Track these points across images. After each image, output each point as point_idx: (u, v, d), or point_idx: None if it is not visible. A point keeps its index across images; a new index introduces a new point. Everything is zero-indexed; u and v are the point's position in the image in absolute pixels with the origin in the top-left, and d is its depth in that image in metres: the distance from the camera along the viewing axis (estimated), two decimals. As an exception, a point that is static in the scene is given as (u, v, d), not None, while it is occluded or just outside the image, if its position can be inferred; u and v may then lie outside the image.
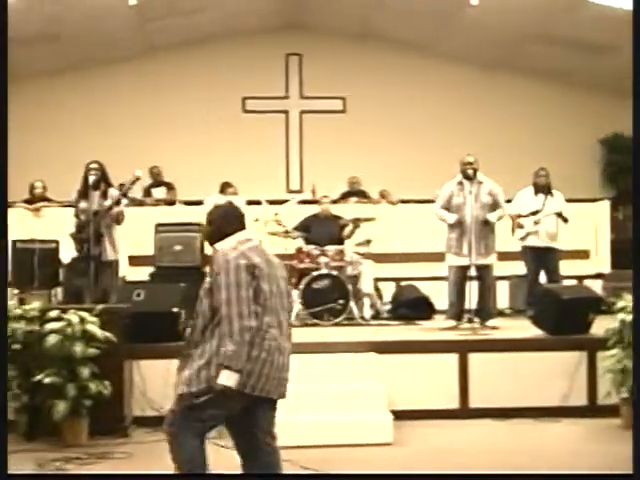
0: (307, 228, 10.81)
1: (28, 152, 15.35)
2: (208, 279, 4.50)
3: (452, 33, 15.10)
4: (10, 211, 11.99)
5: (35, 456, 6.76)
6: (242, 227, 4.67)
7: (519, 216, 10.44)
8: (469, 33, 14.87)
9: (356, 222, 10.54)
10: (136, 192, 12.98)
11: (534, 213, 10.36)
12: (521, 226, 10.41)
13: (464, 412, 7.90)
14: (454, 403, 7.95)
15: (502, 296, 11.22)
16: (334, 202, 11.57)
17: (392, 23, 15.45)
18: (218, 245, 4.57)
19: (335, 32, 16.08)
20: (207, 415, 4.48)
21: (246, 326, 4.33)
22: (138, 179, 9.40)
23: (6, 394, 2.05)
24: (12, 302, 8.93)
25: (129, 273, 10.56)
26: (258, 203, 12.67)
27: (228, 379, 4.29)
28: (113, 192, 9.17)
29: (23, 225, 11.71)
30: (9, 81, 15.16)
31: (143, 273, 10.70)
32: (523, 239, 10.42)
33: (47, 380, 7.06)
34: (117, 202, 9.06)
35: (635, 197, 8.83)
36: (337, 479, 4.87)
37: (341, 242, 10.59)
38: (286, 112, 16.40)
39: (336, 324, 9.78)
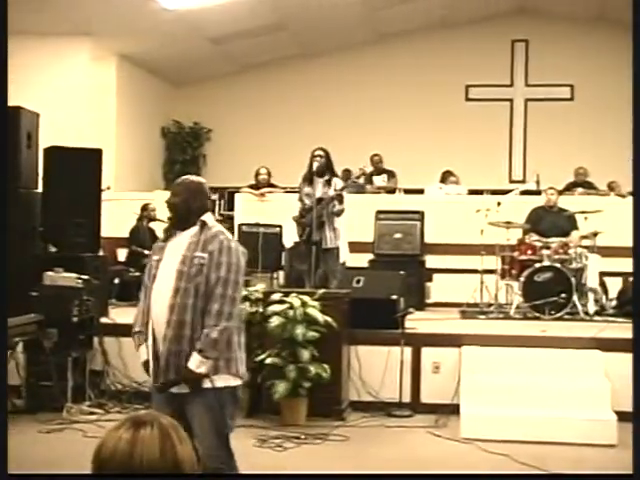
0: (534, 220, 10.52)
1: (253, 139, 15.89)
2: (199, 254, 4.23)
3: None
4: (236, 196, 12.51)
5: (256, 432, 6.96)
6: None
7: None
8: None
9: None
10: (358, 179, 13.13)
11: None
12: None
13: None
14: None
15: None
16: (559, 193, 11.17)
17: (624, 5, 14.75)
18: (209, 220, 4.36)
19: (564, 16, 15.55)
20: None
21: (236, 312, 4.28)
22: (364, 174, 9.43)
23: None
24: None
25: (349, 259, 10.66)
26: (480, 193, 12.48)
27: (200, 365, 4.15)
28: (337, 182, 9.23)
29: (248, 209, 12.10)
30: (237, 72, 15.84)
31: (362, 259, 10.77)
32: None
33: (269, 360, 7.25)
34: (340, 196, 9.09)
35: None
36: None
37: (567, 235, 10.23)
38: (510, 100, 16.04)
39: (558, 318, 9.47)
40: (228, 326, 4.20)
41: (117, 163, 13.83)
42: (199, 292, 4.19)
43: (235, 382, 4.34)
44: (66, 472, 5.55)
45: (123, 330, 8.26)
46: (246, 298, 7.69)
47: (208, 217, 4.39)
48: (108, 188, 11.04)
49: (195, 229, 4.32)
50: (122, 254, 11.48)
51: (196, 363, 4.15)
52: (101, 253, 9.53)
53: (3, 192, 4.88)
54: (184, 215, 4.37)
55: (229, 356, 4.27)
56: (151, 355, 4.29)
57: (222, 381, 4.26)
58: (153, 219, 11.34)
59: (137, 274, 10.79)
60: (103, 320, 8.56)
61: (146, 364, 4.34)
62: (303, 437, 6.86)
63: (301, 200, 9.25)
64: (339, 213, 9.07)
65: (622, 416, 6.91)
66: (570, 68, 15.51)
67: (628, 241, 11.13)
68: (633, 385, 5.44)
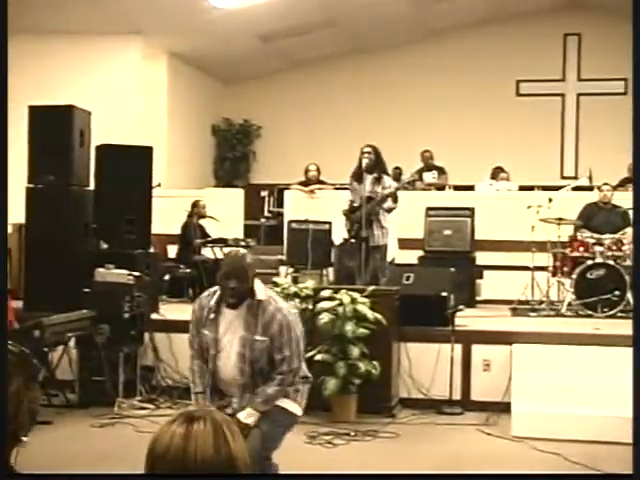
0: (587, 216, 10.39)
1: (302, 136, 15.92)
2: (260, 338, 4.39)
3: None
4: (286, 193, 12.53)
5: (306, 428, 6.95)
6: None
7: None
8: None
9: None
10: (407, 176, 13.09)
11: None
12: None
13: None
14: None
15: None
16: (613, 189, 11.02)
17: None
18: (260, 294, 4.45)
19: (617, 9, 15.31)
20: None
21: (299, 380, 4.55)
22: (415, 181, 9.41)
23: (7, 392, 2.05)
24: (287, 280, 9.26)
25: (398, 256, 10.63)
26: (531, 189, 12.36)
27: (248, 417, 4.38)
28: (387, 180, 9.21)
29: (298, 206, 12.11)
30: (286, 69, 15.86)
31: (412, 256, 10.73)
32: None
33: (319, 357, 7.24)
34: (394, 195, 9.08)
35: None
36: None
37: (620, 232, 10.08)
38: (562, 95, 15.85)
39: (611, 316, 9.34)
40: (284, 389, 4.48)
41: (168, 160, 13.93)
42: (263, 371, 4.44)
43: (298, 411, 4.59)
44: (117, 467, 5.60)
45: (174, 326, 8.35)
46: (296, 295, 7.71)
47: (259, 288, 4.49)
48: (159, 185, 11.12)
49: (246, 305, 4.44)
50: (172, 251, 11.56)
51: (244, 415, 4.37)
52: (152, 250, 9.61)
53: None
54: (244, 297, 4.44)
55: (297, 387, 4.57)
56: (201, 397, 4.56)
57: (288, 405, 4.52)
58: (203, 216, 11.41)
59: (187, 270, 10.88)
60: (154, 316, 8.64)
61: None
62: (353, 434, 6.85)
63: (351, 196, 9.27)
64: (390, 210, 9.05)
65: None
66: (623, 62, 15.25)
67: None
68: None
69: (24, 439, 2.20)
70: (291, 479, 4.36)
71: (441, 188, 12.97)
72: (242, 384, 4.45)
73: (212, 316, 4.48)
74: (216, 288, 4.54)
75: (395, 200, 9.08)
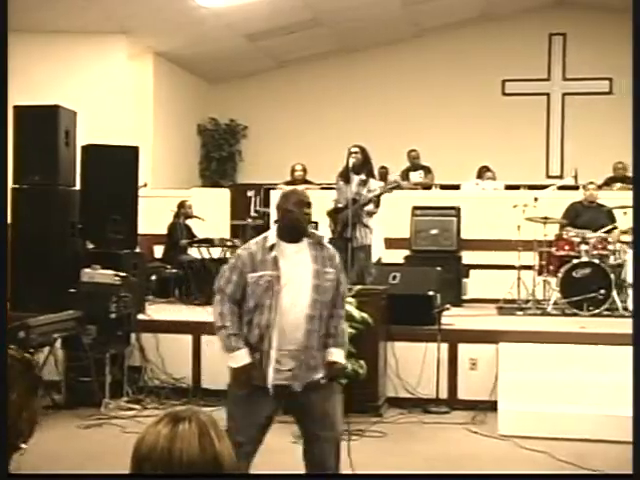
0: (573, 215, 10.43)
1: (289, 136, 15.92)
2: (329, 270, 4.49)
3: None
4: (272, 192, 12.51)
5: (292, 428, 6.94)
6: None
7: None
8: None
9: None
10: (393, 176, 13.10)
11: None
12: None
13: None
14: None
15: None
16: (598, 188, 11.07)
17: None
18: (319, 231, 4.71)
19: (602, 8, 15.38)
20: None
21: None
22: (395, 188, 9.41)
23: (7, 392, 2.04)
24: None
25: (385, 255, 10.64)
26: (516, 188, 12.40)
27: (342, 357, 4.59)
28: (373, 184, 9.21)
29: (285, 206, 12.08)
30: (272, 68, 15.83)
31: (398, 256, 10.75)
32: None
33: (304, 356, 7.23)
34: (377, 199, 9.11)
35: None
36: (338, 479, 4.70)
37: (607, 231, 10.13)
38: (547, 95, 15.91)
39: (596, 314, 9.39)
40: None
41: (154, 160, 13.91)
42: (328, 304, 4.49)
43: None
44: (104, 468, 5.59)
45: (160, 326, 8.36)
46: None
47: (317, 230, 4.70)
48: (145, 185, 11.11)
49: (306, 241, 4.52)
50: (159, 251, 11.54)
51: (341, 356, 4.53)
52: (138, 250, 9.60)
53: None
54: (307, 227, 4.58)
55: None
56: (273, 361, 4.40)
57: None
58: (189, 216, 11.40)
59: (174, 271, 10.87)
60: (140, 316, 8.62)
61: (246, 368, 4.39)
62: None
63: (336, 196, 9.29)
64: (371, 214, 9.09)
65: (662, 414, 6.84)
66: (609, 61, 15.34)
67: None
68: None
69: (23, 446, 2.20)
70: (291, 479, 4.35)
71: (427, 187, 12.99)
72: (309, 325, 4.41)
73: (272, 255, 4.43)
74: (262, 236, 4.58)
75: (377, 205, 9.10)
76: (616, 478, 5.28)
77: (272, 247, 4.46)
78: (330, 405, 4.57)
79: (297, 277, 4.43)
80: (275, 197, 12.28)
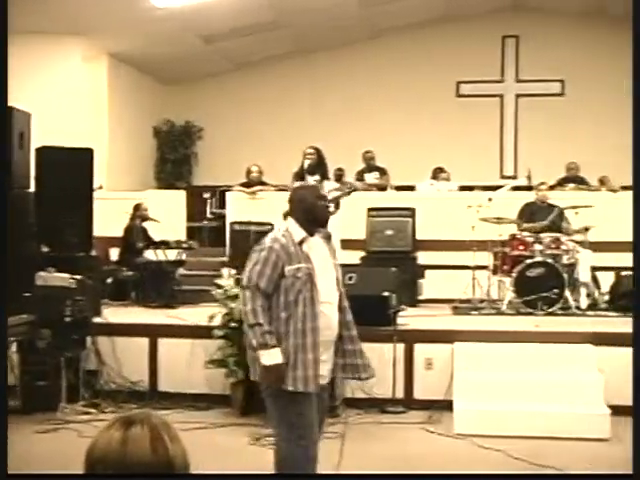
0: (526, 216, 10.56)
1: (244, 138, 15.91)
2: (335, 262, 4.62)
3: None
4: (228, 194, 12.51)
5: (250, 430, 6.97)
6: None
7: None
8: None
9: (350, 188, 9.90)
10: (349, 177, 13.15)
11: None
12: None
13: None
14: (677, 400, 7.53)
15: None
16: (550, 188, 11.21)
17: (616, 0, 14.81)
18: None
19: (555, 11, 15.58)
20: None
21: None
22: (354, 190, 9.49)
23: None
24: (229, 282, 9.25)
25: (341, 256, 10.67)
26: (471, 189, 12.51)
27: None
28: (327, 185, 9.27)
29: (240, 208, 12.11)
30: (228, 70, 15.79)
31: (354, 257, 10.79)
32: None
33: (262, 358, 7.24)
34: (337, 201, 9.16)
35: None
36: (338, 479, 4.78)
37: (559, 230, 10.27)
38: (501, 96, 16.08)
39: (550, 313, 9.51)
40: None
41: (109, 162, 13.83)
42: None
43: None
44: (62, 472, 5.56)
45: (117, 329, 8.31)
46: (238, 297, 7.69)
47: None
48: (100, 187, 11.04)
49: (317, 235, 4.58)
50: (115, 253, 11.48)
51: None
52: (94, 253, 9.53)
53: (3, 193, 4.89)
54: None
55: None
56: (311, 360, 4.38)
57: None
58: (145, 218, 11.35)
59: (130, 273, 10.81)
60: (96, 320, 8.56)
61: (279, 366, 4.34)
62: (297, 434, 6.87)
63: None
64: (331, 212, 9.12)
65: (615, 410, 6.96)
66: (560, 63, 15.55)
67: (619, 236, 11.21)
68: (633, 384, 5.46)
69: None
70: (291, 479, 4.36)
71: (382, 188, 13.06)
72: (340, 317, 4.50)
73: (305, 247, 4.46)
74: (281, 232, 4.53)
75: (337, 206, 9.14)
76: (616, 478, 5.33)
77: (302, 240, 4.48)
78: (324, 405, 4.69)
79: (325, 270, 4.50)
80: (231, 199, 12.35)
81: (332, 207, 9.15)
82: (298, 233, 4.48)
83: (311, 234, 4.53)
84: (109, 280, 10.81)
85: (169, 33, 13.61)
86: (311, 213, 4.55)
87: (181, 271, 11.06)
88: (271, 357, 4.31)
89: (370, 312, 8.05)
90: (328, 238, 4.61)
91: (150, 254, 10.96)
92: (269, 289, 4.38)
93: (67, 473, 4.95)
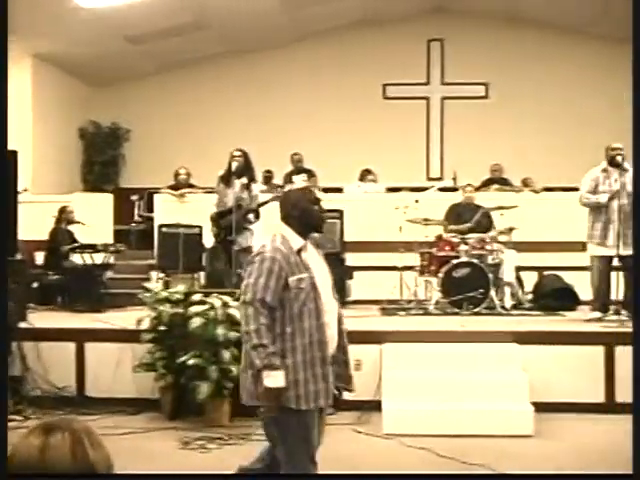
0: (453, 217, 10.69)
1: (172, 140, 15.81)
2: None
3: (602, 14, 14.65)
4: (156, 197, 12.43)
5: (179, 434, 6.95)
6: None
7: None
8: (618, 13, 14.39)
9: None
10: (277, 179, 13.18)
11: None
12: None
13: (609, 406, 7.68)
14: (599, 397, 7.73)
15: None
16: (475, 189, 11.38)
17: (537, 5, 15.11)
18: None
19: (479, 16, 15.84)
20: None
21: None
22: (271, 200, 9.53)
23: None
24: (157, 285, 9.20)
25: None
26: (398, 190, 12.62)
27: None
28: (255, 188, 9.30)
29: (168, 210, 12.04)
30: (155, 71, 15.65)
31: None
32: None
33: (191, 362, 7.23)
34: (257, 211, 9.21)
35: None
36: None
37: (485, 231, 10.42)
38: (427, 99, 16.27)
39: (476, 313, 9.64)
40: None
41: (34, 165, 13.62)
42: None
43: None
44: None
45: (43, 334, 8.19)
46: (167, 299, 7.68)
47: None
48: (25, 190, 10.86)
49: (310, 240, 4.34)
50: (41, 257, 11.31)
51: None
52: (19, 257, 9.38)
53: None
54: None
55: None
56: (319, 375, 4.18)
57: None
58: (71, 221, 11.21)
59: (56, 277, 10.66)
60: (22, 325, 8.44)
61: (281, 390, 4.08)
62: (226, 437, 6.87)
63: (218, 200, 9.33)
64: (250, 223, 9.19)
65: (539, 407, 7.10)
66: (485, 66, 15.80)
67: (542, 236, 11.47)
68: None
69: None
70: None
71: (311, 190, 13.08)
72: (340, 326, 4.38)
73: (304, 255, 4.21)
74: (278, 237, 4.25)
75: (257, 216, 9.22)
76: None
77: (301, 249, 4.23)
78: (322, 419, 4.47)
79: (323, 278, 4.28)
80: (159, 201, 12.27)
81: (251, 216, 9.22)
82: (296, 241, 4.23)
83: (305, 239, 4.29)
84: (35, 284, 10.66)
85: (94, 34, 13.46)
86: (305, 219, 4.31)
87: (108, 274, 10.95)
88: (275, 380, 4.05)
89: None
90: (317, 244, 4.39)
91: (77, 258, 10.82)
92: (275, 303, 4.09)
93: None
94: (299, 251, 4.20)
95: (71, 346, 8.23)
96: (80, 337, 8.22)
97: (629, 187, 8.85)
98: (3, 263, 6.86)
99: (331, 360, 4.28)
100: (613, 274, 9.04)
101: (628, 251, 8.77)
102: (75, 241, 11.13)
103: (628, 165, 8.93)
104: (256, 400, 4.17)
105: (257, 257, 4.19)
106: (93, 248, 10.66)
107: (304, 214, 4.30)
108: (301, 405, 4.12)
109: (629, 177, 8.88)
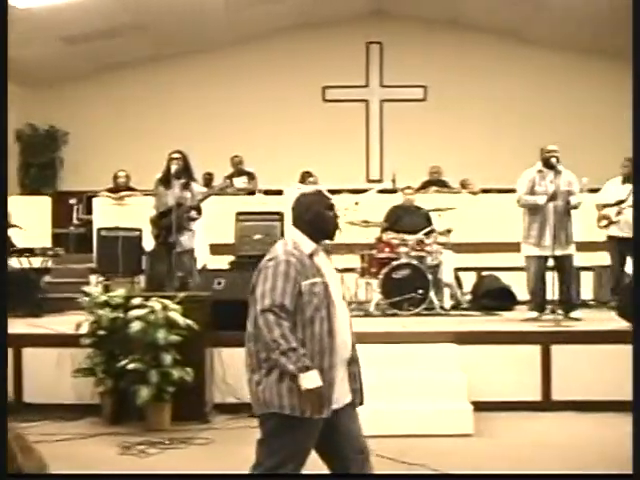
0: (393, 218, 10.77)
1: (111, 142, 15.68)
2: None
3: (539, 19, 14.88)
4: (94, 200, 12.32)
5: (119, 440, 6.90)
6: None
7: (605, 206, 10.28)
8: (556, 19, 14.64)
9: None
10: (217, 181, 13.14)
11: (619, 203, 10.16)
12: (606, 216, 10.24)
13: (546, 404, 7.81)
14: (536, 395, 7.86)
15: (586, 287, 11.04)
16: (415, 191, 11.47)
17: (476, 10, 15.29)
18: None
19: (417, 19, 15.98)
20: None
21: None
22: (228, 187, 9.51)
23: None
24: (97, 289, 9.13)
25: (210, 261, 10.67)
26: (338, 192, 12.67)
27: None
28: (196, 188, 9.27)
29: (107, 213, 11.95)
30: (93, 73, 15.48)
31: (223, 261, 10.79)
32: (606, 228, 10.27)
33: (131, 366, 7.19)
34: (198, 207, 9.18)
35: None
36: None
37: (426, 233, 10.50)
38: (366, 101, 16.38)
39: (416, 314, 9.71)
40: None
41: (-32, 168, 13.39)
42: None
43: None
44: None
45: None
46: (106, 303, 7.62)
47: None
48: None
49: (321, 246, 4.18)
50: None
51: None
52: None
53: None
54: None
55: None
56: (325, 384, 3.99)
57: None
58: (9, 225, 11.04)
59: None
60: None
61: (321, 390, 3.94)
62: (167, 442, 6.83)
63: (157, 202, 9.29)
64: (193, 220, 9.14)
65: (478, 406, 7.19)
66: (423, 69, 15.95)
67: (480, 237, 11.62)
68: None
69: None
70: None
71: (251, 193, 13.10)
72: (351, 332, 4.16)
73: (316, 260, 4.06)
74: (289, 241, 4.12)
75: (199, 212, 9.17)
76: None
77: (313, 253, 4.08)
78: (357, 426, 4.40)
79: (334, 283, 4.14)
80: (98, 204, 12.16)
81: (193, 213, 9.18)
82: (307, 245, 4.08)
83: (317, 244, 4.14)
84: (-30, 289, 10.48)
85: (30, 35, 13.28)
86: (318, 223, 4.15)
87: (46, 279, 10.83)
88: (312, 381, 3.90)
89: (240, 317, 8.04)
90: (326, 250, 4.23)
91: (14, 262, 10.68)
92: (292, 307, 3.94)
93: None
94: (311, 255, 4.08)
95: (8, 351, 8.11)
96: (17, 342, 8.09)
97: (563, 188, 9.04)
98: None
99: (351, 371, 4.24)
100: (548, 274, 9.20)
101: (563, 251, 8.98)
102: (12, 245, 10.98)
103: (561, 167, 9.11)
104: (288, 408, 4.02)
105: (271, 262, 4.03)
106: (31, 252, 10.54)
107: (317, 218, 4.16)
108: (306, 413, 4.00)
109: (563, 179, 9.08)
